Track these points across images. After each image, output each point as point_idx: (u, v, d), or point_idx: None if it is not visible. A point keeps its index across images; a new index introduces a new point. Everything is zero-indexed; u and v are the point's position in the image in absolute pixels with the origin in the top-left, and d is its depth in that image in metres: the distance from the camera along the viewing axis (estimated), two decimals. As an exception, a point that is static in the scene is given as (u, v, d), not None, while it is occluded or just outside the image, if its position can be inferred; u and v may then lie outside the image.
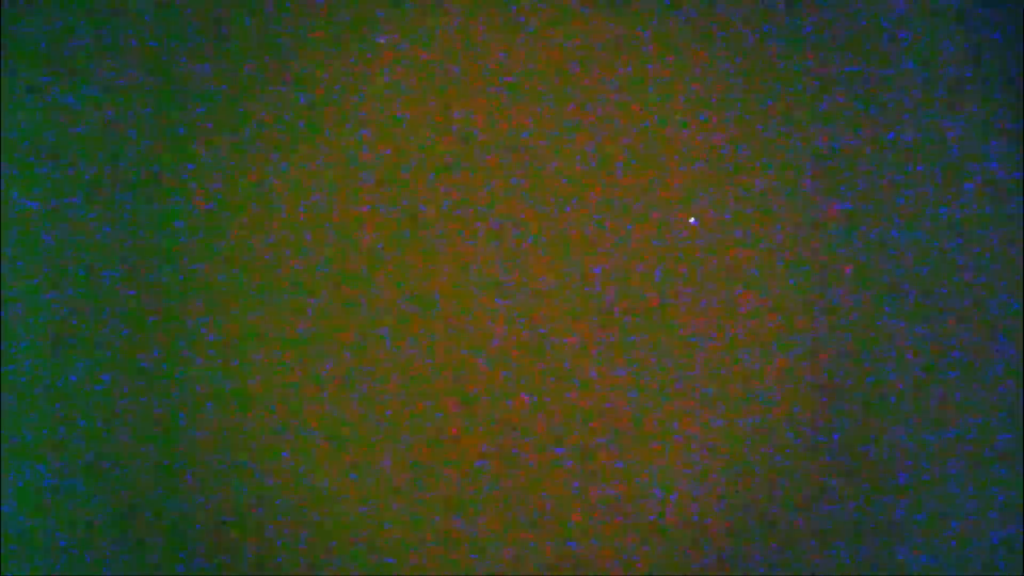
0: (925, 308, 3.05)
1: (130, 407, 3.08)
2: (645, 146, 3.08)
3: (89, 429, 3.08)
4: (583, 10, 3.10)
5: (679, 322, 3.06)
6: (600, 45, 3.10)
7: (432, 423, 3.06)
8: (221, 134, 3.12)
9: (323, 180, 3.10)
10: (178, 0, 3.14)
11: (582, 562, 3.04)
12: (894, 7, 3.09)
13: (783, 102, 3.08)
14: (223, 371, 3.08)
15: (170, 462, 3.07)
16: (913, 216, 3.06)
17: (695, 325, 3.05)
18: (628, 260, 3.07)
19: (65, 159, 3.12)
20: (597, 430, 3.05)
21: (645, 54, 3.09)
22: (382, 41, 2.52)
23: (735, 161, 3.07)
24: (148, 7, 3.14)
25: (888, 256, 3.06)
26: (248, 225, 3.10)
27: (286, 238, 3.09)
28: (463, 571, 3.04)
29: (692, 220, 2.66)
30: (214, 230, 3.10)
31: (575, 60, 3.10)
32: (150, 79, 3.13)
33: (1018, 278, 3.05)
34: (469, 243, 3.08)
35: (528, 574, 3.04)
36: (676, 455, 3.04)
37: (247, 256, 3.10)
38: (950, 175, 3.07)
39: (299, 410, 3.07)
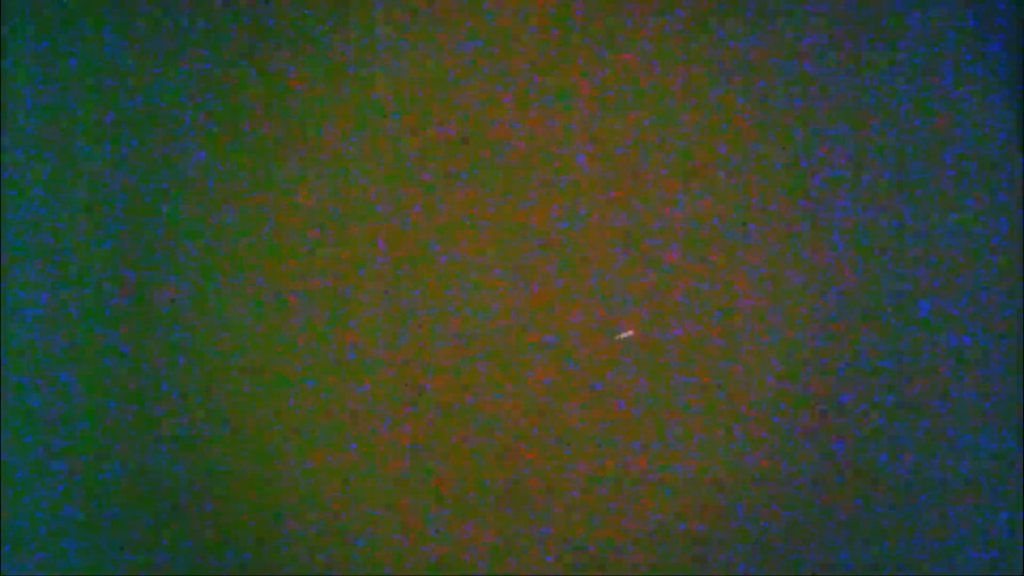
0: (925, 308, 3.05)
1: (129, 408, 3.09)
2: (645, 147, 3.08)
3: (89, 429, 3.08)
4: (583, 11, 3.10)
5: (679, 324, 3.06)
6: (600, 46, 3.10)
7: (431, 424, 3.06)
8: (221, 133, 3.12)
9: (323, 180, 3.11)
10: (179, 0, 3.14)
11: (581, 562, 3.04)
12: (894, 6, 3.08)
13: (783, 104, 3.07)
14: (223, 371, 3.08)
15: (170, 462, 3.08)
16: (912, 217, 3.06)
17: (695, 327, 3.05)
18: (628, 260, 3.07)
19: (65, 158, 3.13)
20: (597, 431, 3.05)
21: (646, 55, 3.09)
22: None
23: (735, 162, 3.07)
24: (149, 7, 3.14)
25: (888, 256, 3.06)
26: (248, 224, 3.10)
27: (286, 237, 3.10)
28: (463, 571, 3.04)
29: (624, 335, 2.71)
30: (214, 229, 3.10)
31: (574, 61, 3.10)
32: (150, 79, 3.13)
33: (1018, 278, 3.05)
34: (469, 244, 3.08)
35: (527, 574, 3.04)
36: (676, 457, 3.04)
37: (247, 255, 3.10)
38: (950, 175, 3.07)
39: (299, 410, 3.07)
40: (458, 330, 3.07)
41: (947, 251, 3.05)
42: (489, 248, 3.08)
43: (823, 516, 3.03)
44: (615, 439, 3.05)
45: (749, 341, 3.04)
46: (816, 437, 3.03)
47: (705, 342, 3.05)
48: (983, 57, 3.07)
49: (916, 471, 3.03)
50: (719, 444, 3.04)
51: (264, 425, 3.07)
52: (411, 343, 3.07)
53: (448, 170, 3.09)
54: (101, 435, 3.08)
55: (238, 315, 3.09)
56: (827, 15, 3.08)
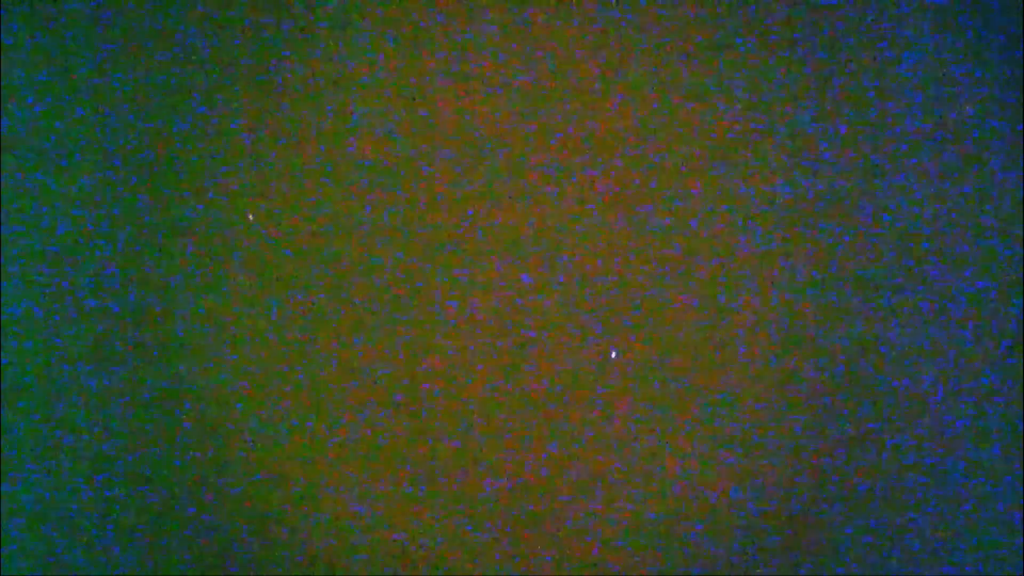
0: (925, 308, 3.05)
1: (129, 408, 3.08)
2: (644, 146, 3.08)
3: (89, 429, 3.08)
4: (582, 12, 3.10)
5: (678, 324, 3.05)
6: (600, 47, 3.10)
7: (431, 424, 3.06)
8: (220, 134, 3.12)
9: (322, 180, 3.10)
10: (178, 1, 3.14)
11: (581, 562, 3.04)
12: (895, 8, 3.08)
13: (783, 103, 3.07)
14: (222, 371, 3.08)
15: (169, 462, 3.08)
16: (912, 216, 3.06)
17: (694, 327, 3.05)
18: (628, 260, 3.07)
19: (65, 159, 3.12)
20: (596, 431, 3.05)
21: (645, 55, 3.09)
22: None
23: (735, 162, 3.07)
24: (148, 8, 3.14)
25: (887, 255, 3.06)
26: (247, 224, 3.10)
27: (286, 238, 3.10)
28: (463, 571, 3.04)
29: (613, 354, 2.73)
30: (213, 229, 3.10)
31: (574, 61, 3.09)
32: (150, 80, 3.13)
33: (1018, 278, 3.05)
34: (469, 245, 3.08)
35: (527, 574, 3.04)
36: (675, 457, 3.04)
37: (246, 256, 3.10)
38: (950, 174, 3.06)
39: (299, 411, 3.07)
40: (458, 331, 3.07)
41: (947, 250, 3.05)
42: (489, 249, 3.07)
43: (822, 516, 3.02)
44: (614, 439, 3.05)
45: (748, 341, 3.04)
46: (815, 437, 3.03)
47: (704, 342, 3.04)
48: (983, 57, 3.06)
49: (916, 471, 3.03)
50: (719, 444, 3.03)
51: (264, 424, 3.07)
52: (412, 344, 3.07)
53: (448, 171, 3.09)
54: (101, 435, 3.08)
55: (239, 313, 3.09)
56: (827, 15, 3.08)
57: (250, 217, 3.00)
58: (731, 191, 3.06)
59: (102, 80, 3.13)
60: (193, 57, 3.12)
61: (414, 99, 3.10)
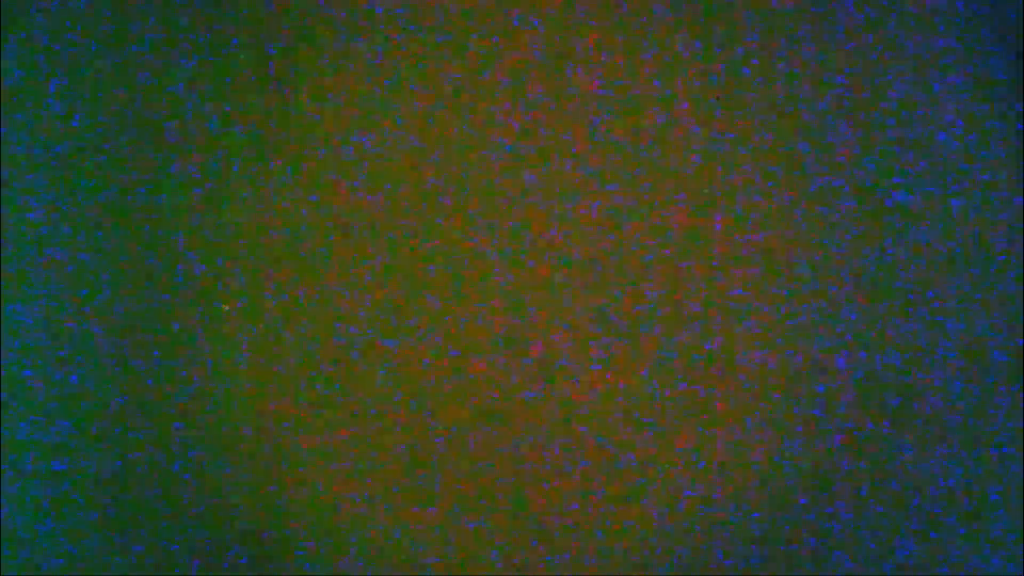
0: (924, 308, 3.05)
1: (129, 408, 3.09)
2: (645, 145, 3.08)
3: (89, 429, 3.08)
4: (583, 11, 3.10)
5: (678, 324, 3.06)
6: (600, 46, 3.10)
7: (431, 425, 3.07)
8: (220, 135, 3.12)
9: (322, 181, 3.11)
10: (177, 0, 3.14)
11: (581, 563, 3.05)
12: (894, 6, 3.09)
13: (783, 102, 3.08)
14: (223, 373, 3.08)
15: (169, 463, 3.08)
16: (912, 216, 3.06)
17: (695, 327, 3.05)
18: (629, 260, 3.07)
19: (65, 159, 3.13)
20: (596, 431, 3.05)
21: (646, 54, 3.09)
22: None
23: (735, 161, 3.07)
24: (148, 7, 3.14)
25: (887, 256, 3.06)
26: (247, 225, 3.10)
27: (286, 238, 3.10)
28: (463, 571, 3.05)
29: None
30: (213, 230, 3.10)
31: (574, 61, 3.10)
32: (150, 79, 3.13)
33: (1018, 278, 3.05)
34: (469, 244, 3.08)
35: (527, 574, 3.04)
36: (675, 457, 3.05)
37: (246, 257, 3.10)
38: (950, 174, 3.07)
39: (299, 410, 3.07)
40: (458, 330, 3.07)
41: (947, 250, 3.05)
42: (489, 249, 3.08)
43: (822, 516, 3.03)
44: (614, 440, 3.05)
45: (748, 342, 3.04)
46: (816, 437, 3.03)
47: (704, 343, 3.05)
48: (983, 57, 3.07)
49: (916, 471, 3.03)
50: (718, 444, 3.04)
51: (264, 424, 3.07)
52: (411, 344, 3.07)
53: (449, 171, 3.09)
54: (101, 435, 3.08)
55: (240, 315, 3.09)
56: (827, 14, 3.08)
57: (225, 308, 3.01)
58: (730, 192, 3.07)
59: (103, 80, 3.13)
60: (195, 57, 3.13)
61: (416, 99, 3.10)
